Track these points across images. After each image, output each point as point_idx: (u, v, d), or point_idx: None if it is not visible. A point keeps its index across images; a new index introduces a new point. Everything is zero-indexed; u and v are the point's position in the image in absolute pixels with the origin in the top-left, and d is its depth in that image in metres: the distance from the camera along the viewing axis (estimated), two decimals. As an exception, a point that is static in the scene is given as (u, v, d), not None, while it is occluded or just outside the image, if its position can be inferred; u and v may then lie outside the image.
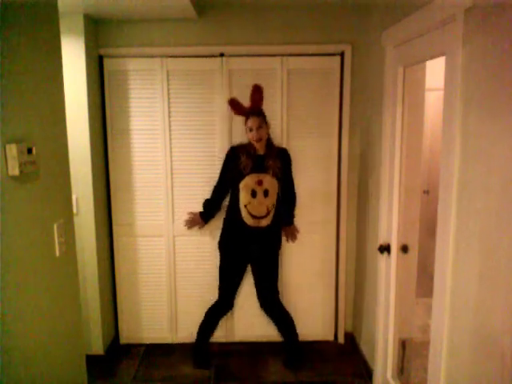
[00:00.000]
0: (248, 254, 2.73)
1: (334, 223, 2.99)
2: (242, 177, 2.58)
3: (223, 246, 2.75)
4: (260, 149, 2.62)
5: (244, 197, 2.59)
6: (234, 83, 2.81)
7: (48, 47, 1.45)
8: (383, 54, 2.31)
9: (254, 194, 2.57)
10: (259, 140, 2.57)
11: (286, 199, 2.77)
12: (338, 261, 3.03)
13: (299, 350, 2.85)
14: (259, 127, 2.55)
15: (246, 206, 2.59)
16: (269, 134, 2.65)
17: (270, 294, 2.80)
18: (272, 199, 2.61)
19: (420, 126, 2.22)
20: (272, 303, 2.82)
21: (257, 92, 2.63)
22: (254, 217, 2.59)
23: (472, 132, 1.45)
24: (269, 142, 2.66)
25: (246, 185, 2.58)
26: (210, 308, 2.83)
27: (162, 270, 3.01)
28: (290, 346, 2.85)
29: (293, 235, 2.93)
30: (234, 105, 2.66)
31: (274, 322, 2.86)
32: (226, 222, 2.74)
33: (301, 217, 2.96)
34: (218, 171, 2.75)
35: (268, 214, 2.61)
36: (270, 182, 2.59)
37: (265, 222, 2.62)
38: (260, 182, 2.57)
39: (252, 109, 2.62)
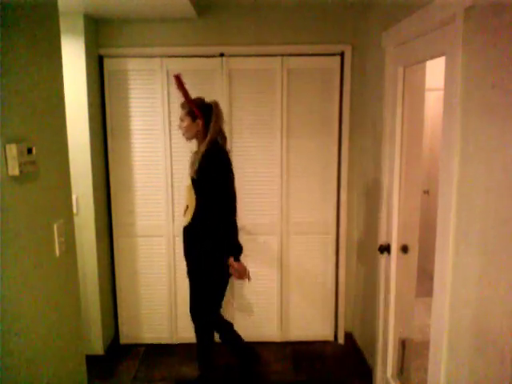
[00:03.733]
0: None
1: (334, 223, 2.99)
2: None
3: None
4: (198, 144, 2.38)
5: None
6: (234, 83, 2.81)
7: (48, 47, 1.45)
8: (383, 54, 2.31)
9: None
10: (181, 131, 2.37)
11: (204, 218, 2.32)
12: (337, 261, 3.03)
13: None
14: (181, 119, 2.35)
15: None
16: (207, 134, 2.27)
17: (192, 311, 2.50)
18: (191, 199, 2.37)
19: (420, 126, 2.22)
20: (194, 319, 2.51)
21: (176, 83, 2.27)
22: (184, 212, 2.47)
23: (472, 132, 1.45)
24: (202, 141, 2.31)
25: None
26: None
27: (162, 270, 3.01)
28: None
29: (234, 273, 2.30)
30: (179, 82, 2.27)
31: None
32: None
33: (301, 217, 2.96)
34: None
35: (187, 210, 2.41)
36: (189, 182, 2.37)
37: (185, 220, 2.40)
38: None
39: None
